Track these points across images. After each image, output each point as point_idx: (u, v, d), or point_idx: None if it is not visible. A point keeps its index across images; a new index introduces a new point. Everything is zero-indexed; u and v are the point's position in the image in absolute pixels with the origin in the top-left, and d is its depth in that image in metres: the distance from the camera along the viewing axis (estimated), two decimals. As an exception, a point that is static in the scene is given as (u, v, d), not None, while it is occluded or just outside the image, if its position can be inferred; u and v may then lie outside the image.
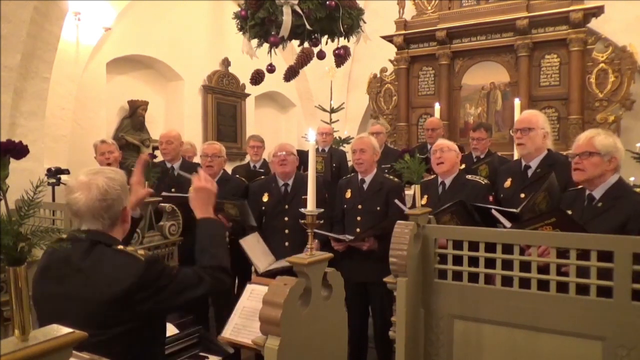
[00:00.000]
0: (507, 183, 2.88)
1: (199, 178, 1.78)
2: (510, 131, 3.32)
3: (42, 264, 1.47)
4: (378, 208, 3.20)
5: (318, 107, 7.83)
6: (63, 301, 1.38)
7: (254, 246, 3.19)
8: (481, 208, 2.56)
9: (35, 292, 1.44)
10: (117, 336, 1.35)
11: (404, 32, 6.28)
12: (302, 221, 1.68)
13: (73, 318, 1.16)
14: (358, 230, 3.17)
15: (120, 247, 1.46)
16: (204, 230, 1.68)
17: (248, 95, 7.72)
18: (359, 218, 3.24)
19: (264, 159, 4.89)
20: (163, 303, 1.44)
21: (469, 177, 3.08)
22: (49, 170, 4.35)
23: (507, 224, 2.31)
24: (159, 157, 4.21)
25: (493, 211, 2.40)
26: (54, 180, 4.32)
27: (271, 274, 2.66)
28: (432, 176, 3.29)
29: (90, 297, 1.36)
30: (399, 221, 2.15)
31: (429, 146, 4.87)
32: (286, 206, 3.27)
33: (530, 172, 2.78)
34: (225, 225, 3.30)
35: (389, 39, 6.41)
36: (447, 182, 3.06)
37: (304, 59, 3.07)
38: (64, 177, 4.44)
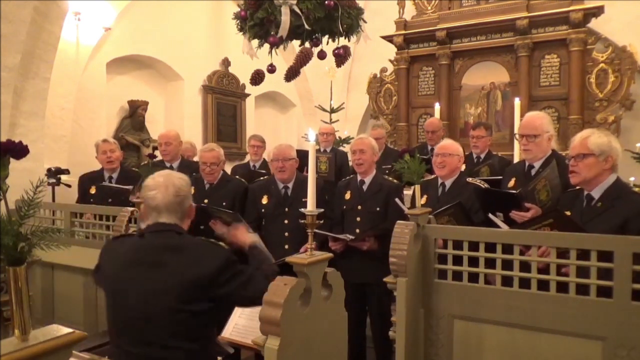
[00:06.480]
0: (511, 183, 2.87)
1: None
2: (516, 136, 3.30)
3: (129, 257, 1.66)
4: (377, 209, 3.19)
5: (318, 107, 7.82)
6: (154, 281, 1.58)
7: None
8: (483, 192, 2.56)
9: (122, 277, 1.63)
10: (194, 313, 1.57)
11: (404, 32, 6.27)
12: (302, 221, 1.68)
13: (162, 289, 1.54)
14: (357, 230, 3.16)
15: (203, 238, 1.72)
16: (256, 254, 1.97)
17: (248, 95, 7.72)
18: (358, 219, 3.23)
19: (264, 159, 4.89)
20: (238, 290, 1.64)
21: (469, 179, 3.03)
22: (49, 170, 4.35)
23: (505, 227, 2.32)
24: (159, 157, 4.21)
25: (490, 216, 2.40)
26: (54, 180, 4.32)
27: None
28: (433, 176, 3.24)
29: (183, 273, 1.57)
30: (399, 221, 2.15)
31: (429, 147, 4.85)
32: (286, 209, 3.24)
33: (533, 172, 2.78)
34: (222, 228, 3.32)
35: (389, 39, 6.40)
36: (448, 183, 3.05)
37: (302, 59, 3.08)
38: (64, 177, 4.43)
